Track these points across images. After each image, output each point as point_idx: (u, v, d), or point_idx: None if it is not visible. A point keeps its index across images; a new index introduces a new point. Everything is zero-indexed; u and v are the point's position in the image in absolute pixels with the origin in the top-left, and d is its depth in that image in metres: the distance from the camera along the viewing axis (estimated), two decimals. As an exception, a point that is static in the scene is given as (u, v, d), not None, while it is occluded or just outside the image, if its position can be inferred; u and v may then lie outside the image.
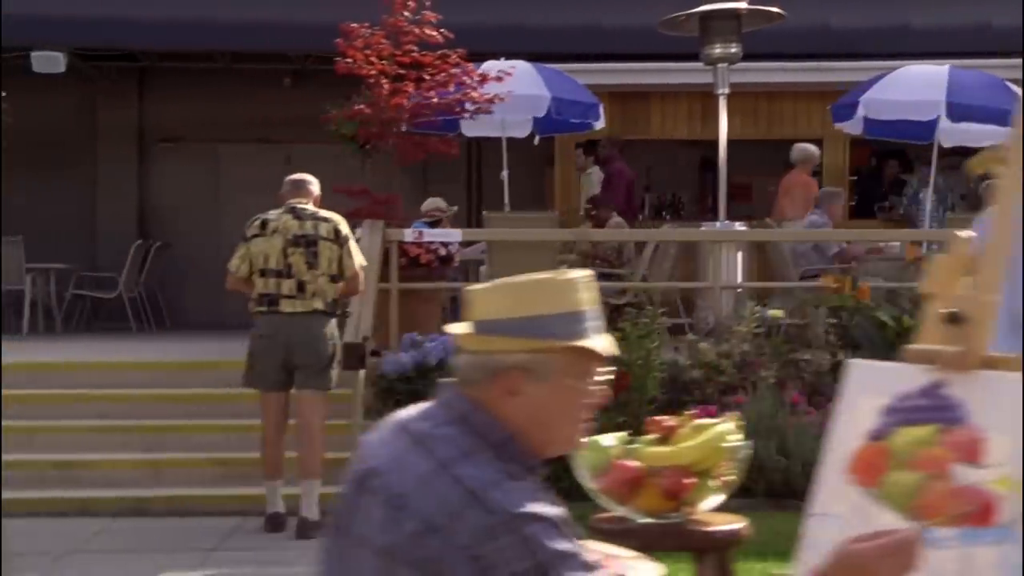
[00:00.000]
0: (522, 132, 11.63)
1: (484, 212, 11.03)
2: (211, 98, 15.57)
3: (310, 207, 7.63)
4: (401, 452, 2.11)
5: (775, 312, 8.92)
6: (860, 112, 10.59)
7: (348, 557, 2.13)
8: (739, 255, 9.56)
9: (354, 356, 8.00)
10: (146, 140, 15.90)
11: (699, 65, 10.32)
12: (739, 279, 9.58)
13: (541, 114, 10.85)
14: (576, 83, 11.22)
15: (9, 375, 8.85)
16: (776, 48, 12.74)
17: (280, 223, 7.43)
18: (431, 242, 9.53)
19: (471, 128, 11.11)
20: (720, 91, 9.65)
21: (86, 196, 15.55)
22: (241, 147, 15.71)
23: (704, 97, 11.53)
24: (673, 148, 15.29)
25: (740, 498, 4.84)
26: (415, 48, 9.48)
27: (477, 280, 10.22)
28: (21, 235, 13.29)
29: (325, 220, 7.53)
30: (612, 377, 2.19)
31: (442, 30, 9.44)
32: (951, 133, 10.66)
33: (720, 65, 9.60)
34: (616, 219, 11.32)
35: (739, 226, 9.87)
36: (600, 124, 11.52)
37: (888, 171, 14.02)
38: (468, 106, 9.68)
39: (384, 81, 9.54)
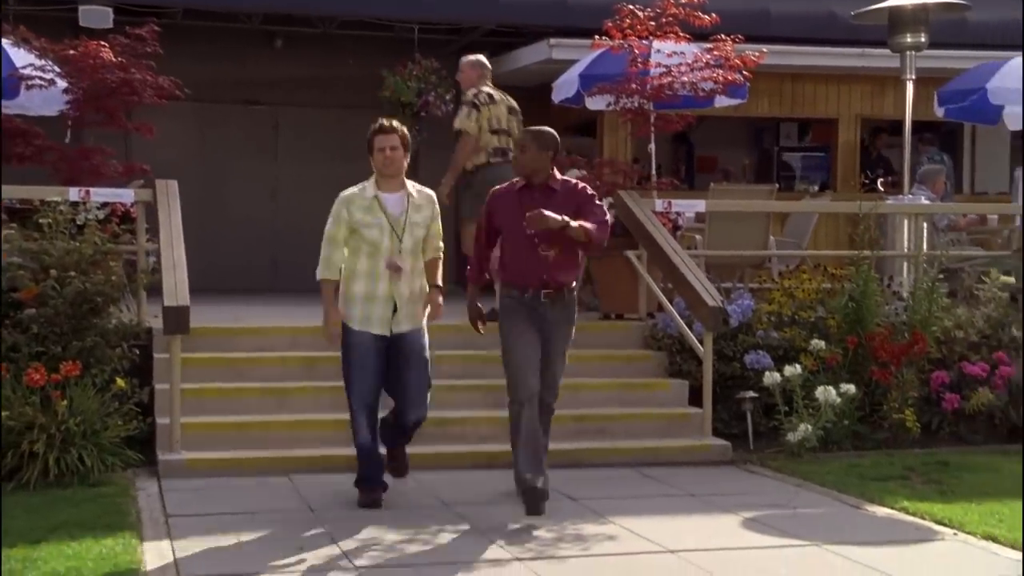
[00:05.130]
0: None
1: (712, 184, 11.48)
2: (198, 58, 14.97)
3: None
4: None
5: (1006, 278, 10.02)
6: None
7: None
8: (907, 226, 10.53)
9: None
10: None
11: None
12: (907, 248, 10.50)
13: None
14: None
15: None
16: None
17: (498, 95, 9.60)
18: (678, 212, 10.03)
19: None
20: (907, 76, 10.67)
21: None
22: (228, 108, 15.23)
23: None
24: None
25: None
26: (677, 30, 9.95)
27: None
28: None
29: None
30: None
31: (713, 14, 9.91)
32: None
33: (908, 52, 10.61)
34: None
35: (924, 200, 10.85)
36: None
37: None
38: (709, 86, 10.13)
39: (640, 60, 9.94)
